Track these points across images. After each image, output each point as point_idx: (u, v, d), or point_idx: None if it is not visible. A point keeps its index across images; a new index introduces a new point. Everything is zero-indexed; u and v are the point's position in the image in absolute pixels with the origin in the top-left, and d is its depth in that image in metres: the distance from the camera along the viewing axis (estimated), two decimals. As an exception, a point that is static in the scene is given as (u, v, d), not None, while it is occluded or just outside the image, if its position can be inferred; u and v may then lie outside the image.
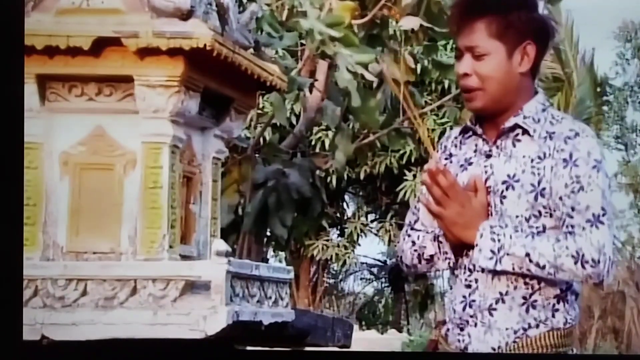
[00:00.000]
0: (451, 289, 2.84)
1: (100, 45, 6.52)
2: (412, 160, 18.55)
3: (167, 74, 6.53)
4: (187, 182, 6.97)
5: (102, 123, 6.67)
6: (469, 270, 2.76)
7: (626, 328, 18.83)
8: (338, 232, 21.03)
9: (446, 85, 17.56)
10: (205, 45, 6.41)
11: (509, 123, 2.74)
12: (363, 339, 14.45)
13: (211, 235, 7.05)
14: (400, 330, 20.81)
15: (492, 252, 2.67)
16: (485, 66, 2.71)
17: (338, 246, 20.20)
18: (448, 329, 2.82)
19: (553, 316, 2.72)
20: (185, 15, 6.50)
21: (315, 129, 16.96)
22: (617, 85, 23.52)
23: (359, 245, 21.63)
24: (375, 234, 21.49)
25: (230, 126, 7.28)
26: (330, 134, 15.66)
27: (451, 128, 17.72)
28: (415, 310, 23.47)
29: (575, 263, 2.63)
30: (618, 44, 23.92)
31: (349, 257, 20.45)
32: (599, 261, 2.62)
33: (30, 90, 6.46)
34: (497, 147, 2.76)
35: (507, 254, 2.66)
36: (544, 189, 2.68)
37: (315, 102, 11.10)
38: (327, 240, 20.12)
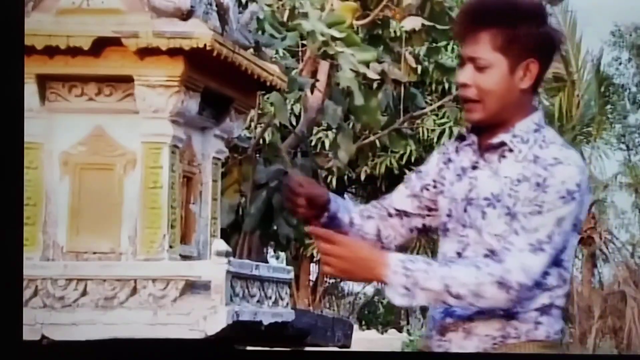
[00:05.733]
0: None
1: (100, 45, 6.52)
2: (412, 160, 18.53)
3: (167, 74, 6.54)
4: (187, 182, 6.97)
5: (102, 123, 6.67)
6: None
7: (626, 328, 18.82)
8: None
9: (446, 86, 17.55)
10: (205, 45, 6.42)
11: (497, 139, 2.67)
12: (363, 339, 14.42)
13: (211, 235, 7.05)
14: (400, 330, 20.78)
15: (406, 288, 2.55)
16: (486, 79, 2.65)
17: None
18: (429, 337, 2.77)
19: (535, 329, 2.66)
20: (185, 15, 6.51)
21: (316, 129, 16.95)
22: (619, 84, 23.47)
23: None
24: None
25: (230, 126, 7.29)
26: (330, 134, 15.65)
27: (450, 128, 17.77)
28: (415, 310, 23.45)
29: (499, 288, 2.53)
30: (614, 45, 23.86)
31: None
32: (523, 285, 2.53)
33: (30, 90, 6.47)
34: (485, 160, 2.70)
35: (422, 289, 2.54)
36: (516, 212, 2.61)
37: (316, 103, 11.09)
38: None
